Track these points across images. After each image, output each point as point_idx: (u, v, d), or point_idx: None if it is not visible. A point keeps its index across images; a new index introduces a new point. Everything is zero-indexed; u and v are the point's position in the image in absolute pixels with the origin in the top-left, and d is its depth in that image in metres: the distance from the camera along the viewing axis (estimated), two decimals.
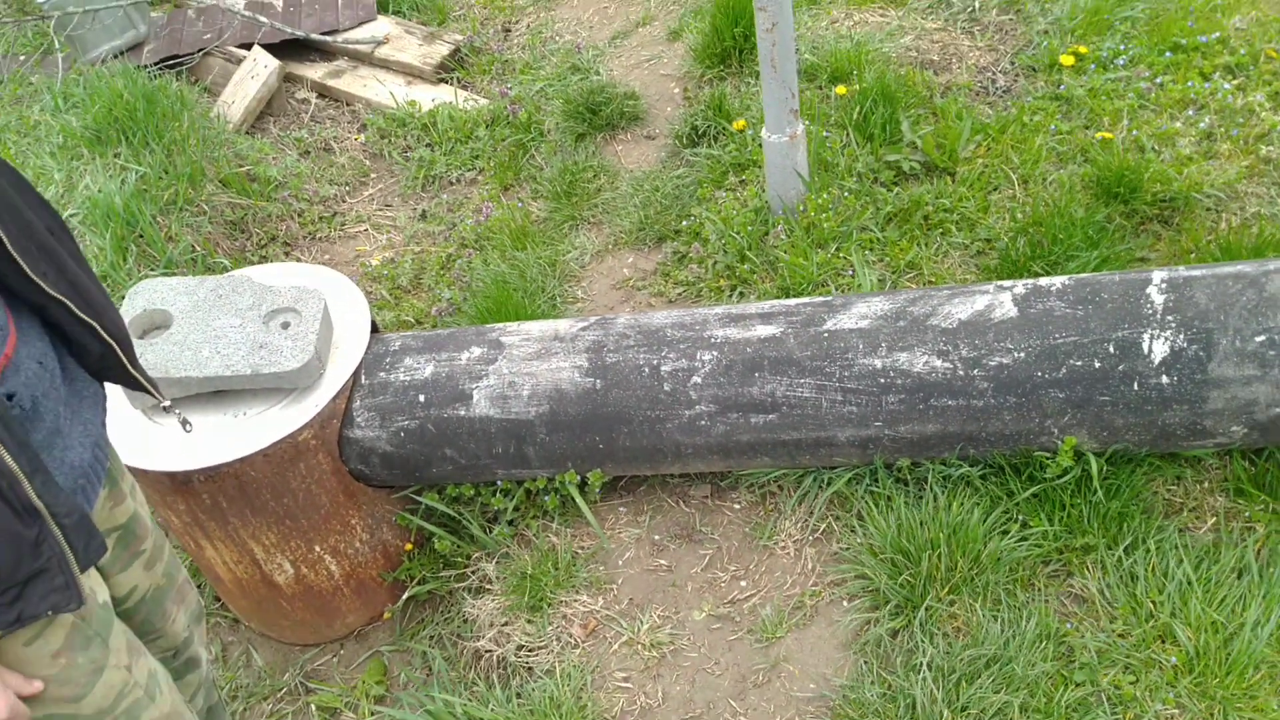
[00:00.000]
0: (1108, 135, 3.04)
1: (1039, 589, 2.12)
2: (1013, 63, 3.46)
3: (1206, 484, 2.22)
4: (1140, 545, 2.10)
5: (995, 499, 2.21)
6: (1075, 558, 2.14)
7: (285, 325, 2.33)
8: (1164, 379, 2.05)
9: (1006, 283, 2.25)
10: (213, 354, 2.28)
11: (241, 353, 2.27)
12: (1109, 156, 2.92)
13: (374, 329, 2.54)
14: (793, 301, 2.36)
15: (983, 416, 2.16)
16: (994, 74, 3.45)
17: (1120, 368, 2.07)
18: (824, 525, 2.35)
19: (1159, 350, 2.05)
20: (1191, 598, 1.99)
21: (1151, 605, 2.01)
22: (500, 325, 2.51)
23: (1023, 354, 2.12)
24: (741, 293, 2.90)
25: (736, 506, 2.48)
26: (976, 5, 3.70)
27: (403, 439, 2.39)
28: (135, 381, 1.62)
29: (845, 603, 2.21)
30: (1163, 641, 1.98)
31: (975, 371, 2.14)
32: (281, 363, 2.25)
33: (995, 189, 2.99)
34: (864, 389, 2.20)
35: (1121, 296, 2.12)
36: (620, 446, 2.37)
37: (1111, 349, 2.08)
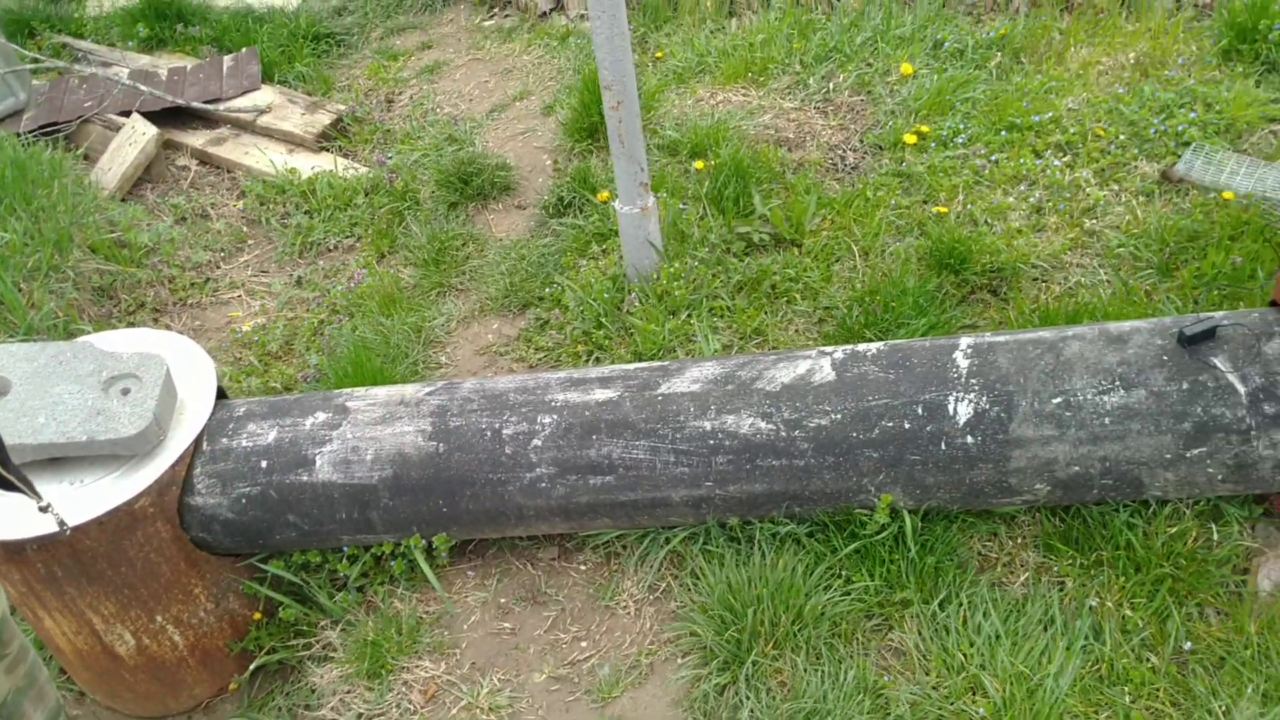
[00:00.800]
0: (943, 210, 3.22)
1: (860, 642, 2.21)
2: (862, 141, 3.65)
3: (1020, 539, 2.33)
4: (954, 599, 2.20)
5: (820, 556, 2.29)
6: (895, 612, 2.23)
7: (125, 391, 2.34)
8: (969, 439, 2.17)
9: (828, 348, 2.36)
10: (49, 421, 2.27)
11: (78, 419, 2.27)
12: (942, 230, 3.08)
13: (221, 395, 2.55)
14: (631, 366, 2.45)
15: (805, 476, 2.25)
16: (844, 151, 3.62)
17: (928, 428, 2.19)
18: (663, 584, 2.42)
19: (963, 412, 2.18)
20: (1000, 650, 2.09)
21: (963, 657, 2.11)
22: (348, 390, 2.55)
23: (839, 415, 2.23)
24: (598, 358, 2.98)
25: (582, 568, 2.53)
26: (831, 86, 3.90)
27: (244, 506, 2.40)
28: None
29: (679, 660, 2.27)
30: (973, 693, 2.07)
31: (796, 433, 2.24)
32: (118, 429, 2.26)
33: (838, 260, 3.14)
34: (695, 450, 2.28)
35: (930, 361, 2.25)
36: (464, 509, 2.41)
37: (920, 410, 2.19)
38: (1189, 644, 2.08)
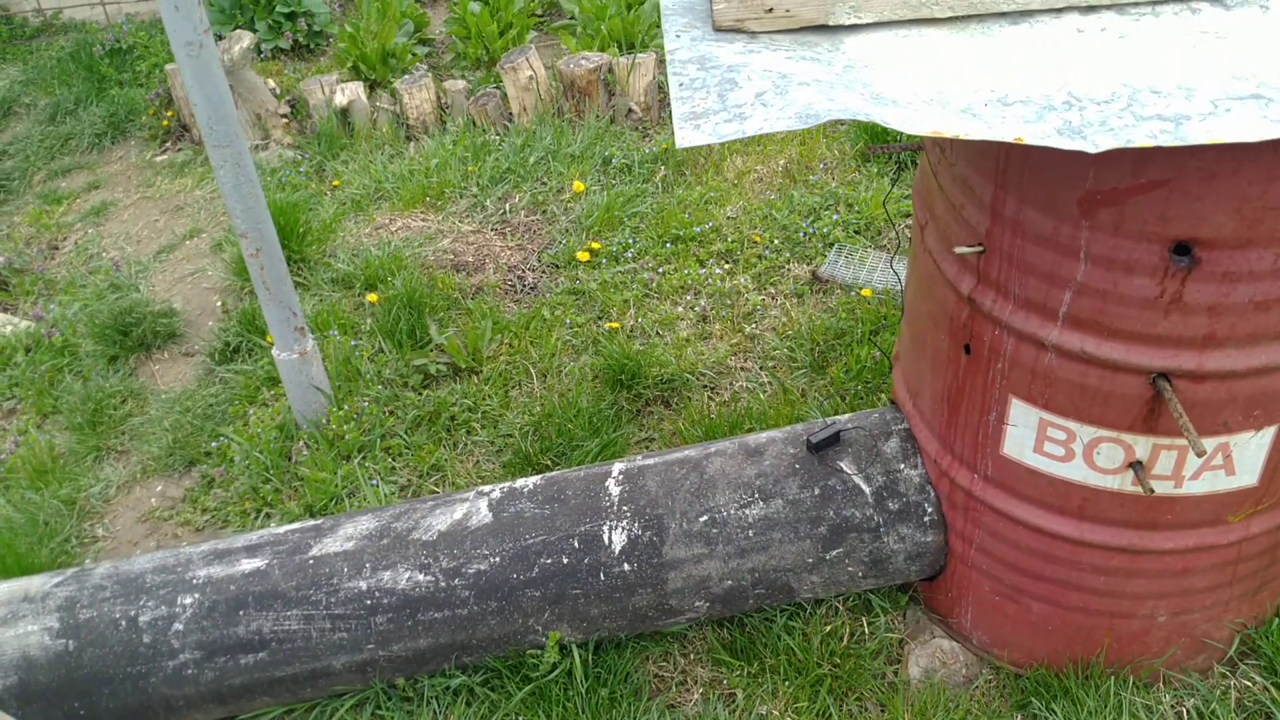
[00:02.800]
0: (614, 325, 3.29)
1: None
2: (540, 260, 3.70)
3: (692, 656, 2.35)
4: None
5: (494, 704, 2.23)
6: None
7: None
8: (626, 566, 2.18)
9: (486, 488, 2.33)
10: None
11: None
12: (614, 346, 3.15)
13: None
14: (281, 529, 2.32)
15: (469, 624, 2.19)
16: (523, 271, 3.66)
17: (586, 561, 2.18)
18: None
19: (618, 540, 2.19)
20: None
21: None
22: None
23: (498, 559, 2.18)
24: (267, 514, 2.83)
25: None
26: (508, 207, 3.95)
27: None
28: None
29: None
30: None
31: (456, 581, 2.18)
32: None
33: (517, 385, 3.13)
34: (352, 613, 2.17)
35: (585, 492, 2.26)
36: (104, 709, 2.19)
37: (577, 544, 2.19)
38: None
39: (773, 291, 3.40)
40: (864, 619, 2.34)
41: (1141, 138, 1.29)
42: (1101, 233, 1.58)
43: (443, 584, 2.18)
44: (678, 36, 1.52)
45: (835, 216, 3.62)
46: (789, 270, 3.46)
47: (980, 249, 1.78)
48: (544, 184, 4.04)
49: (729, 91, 1.37)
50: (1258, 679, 2.11)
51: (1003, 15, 1.55)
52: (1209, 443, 1.75)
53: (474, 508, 2.27)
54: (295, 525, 2.34)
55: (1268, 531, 1.92)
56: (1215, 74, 1.39)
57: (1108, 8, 1.55)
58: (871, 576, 2.26)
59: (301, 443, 2.92)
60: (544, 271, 3.65)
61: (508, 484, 2.33)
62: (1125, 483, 1.83)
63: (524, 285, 3.61)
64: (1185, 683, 2.13)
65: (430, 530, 2.23)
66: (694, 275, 3.47)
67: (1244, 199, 1.48)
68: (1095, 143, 1.29)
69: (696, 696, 2.28)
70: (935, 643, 2.30)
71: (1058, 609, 2.09)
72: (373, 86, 4.93)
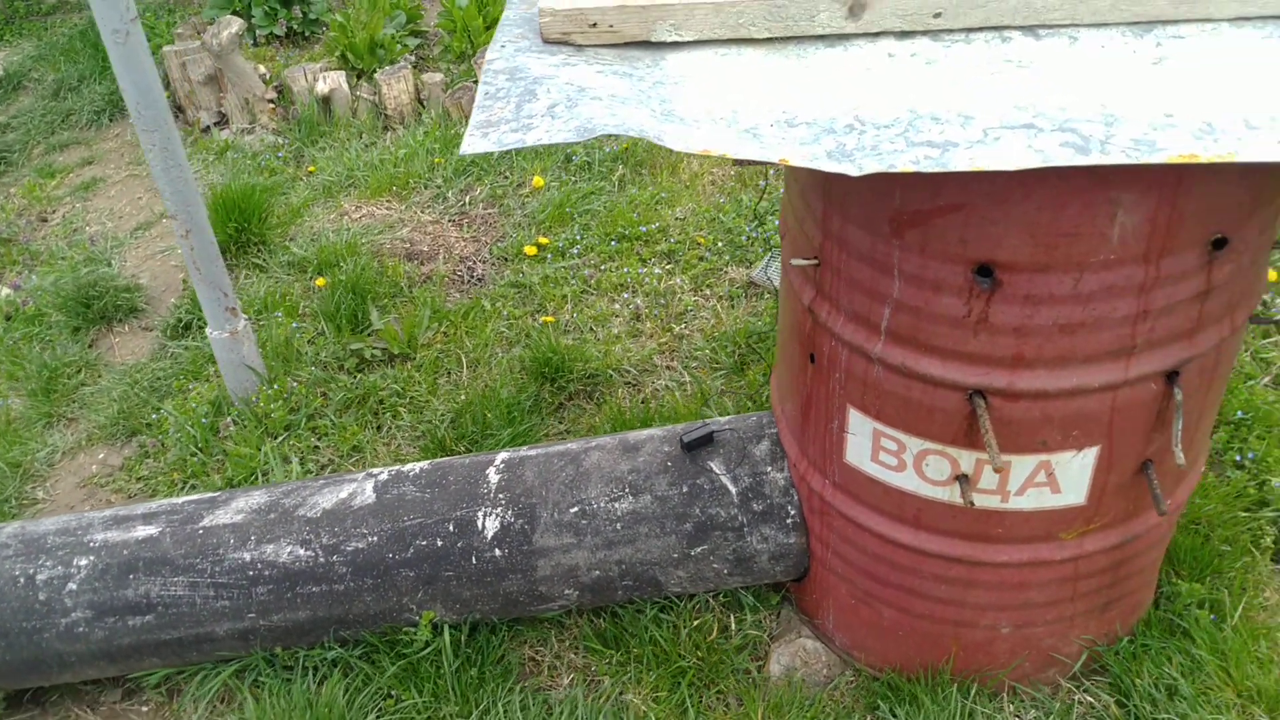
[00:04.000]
0: (550, 319, 3.37)
1: None
2: (491, 253, 3.79)
3: (568, 642, 2.43)
4: (493, 709, 2.26)
5: (368, 678, 2.32)
6: None
7: None
8: (497, 552, 2.26)
9: (377, 470, 2.42)
10: None
11: None
12: (543, 339, 3.23)
13: None
14: (179, 500, 2.43)
15: (346, 599, 2.28)
16: (474, 263, 3.75)
17: (459, 544, 2.26)
18: None
19: (491, 526, 2.27)
20: None
21: None
22: None
23: (376, 538, 2.27)
24: (193, 486, 2.94)
25: (144, 709, 2.46)
26: (468, 200, 4.04)
27: None
28: None
29: None
30: None
31: (335, 557, 2.27)
32: None
33: (447, 373, 3.22)
34: (234, 583, 2.27)
35: (466, 479, 2.34)
36: (1, 661, 2.31)
37: (451, 527, 2.27)
38: None
39: (708, 293, 3.46)
40: (733, 616, 2.40)
41: (905, 163, 1.35)
42: (910, 252, 1.64)
43: (321, 559, 2.27)
44: (502, 47, 1.59)
45: (779, 222, 3.66)
46: (726, 273, 3.52)
47: (815, 262, 1.84)
48: (506, 178, 4.13)
49: (526, 103, 1.45)
50: (1104, 696, 2.15)
51: (820, 39, 1.61)
52: (1029, 460, 1.80)
53: (360, 488, 2.36)
54: (194, 497, 2.44)
55: (1104, 550, 1.97)
56: (999, 103, 1.44)
57: (923, 34, 1.60)
58: (738, 575, 2.33)
59: (230, 419, 3.03)
60: (493, 264, 3.74)
61: (396, 467, 2.42)
62: (955, 495, 1.89)
63: (472, 276, 3.69)
64: (1032, 696, 2.18)
65: (315, 508, 2.33)
66: (634, 274, 3.54)
67: (1036, 224, 1.53)
68: (860, 166, 1.35)
69: (566, 682, 2.36)
70: (800, 642, 2.36)
71: (906, 615, 2.14)
72: (359, 76, 5.04)
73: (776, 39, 1.62)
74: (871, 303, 1.75)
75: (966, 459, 1.83)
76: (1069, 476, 1.83)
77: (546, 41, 1.62)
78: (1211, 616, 2.20)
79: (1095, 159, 1.31)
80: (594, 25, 1.60)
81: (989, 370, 1.70)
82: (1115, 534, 1.94)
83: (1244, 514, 2.41)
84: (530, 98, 1.46)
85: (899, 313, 1.72)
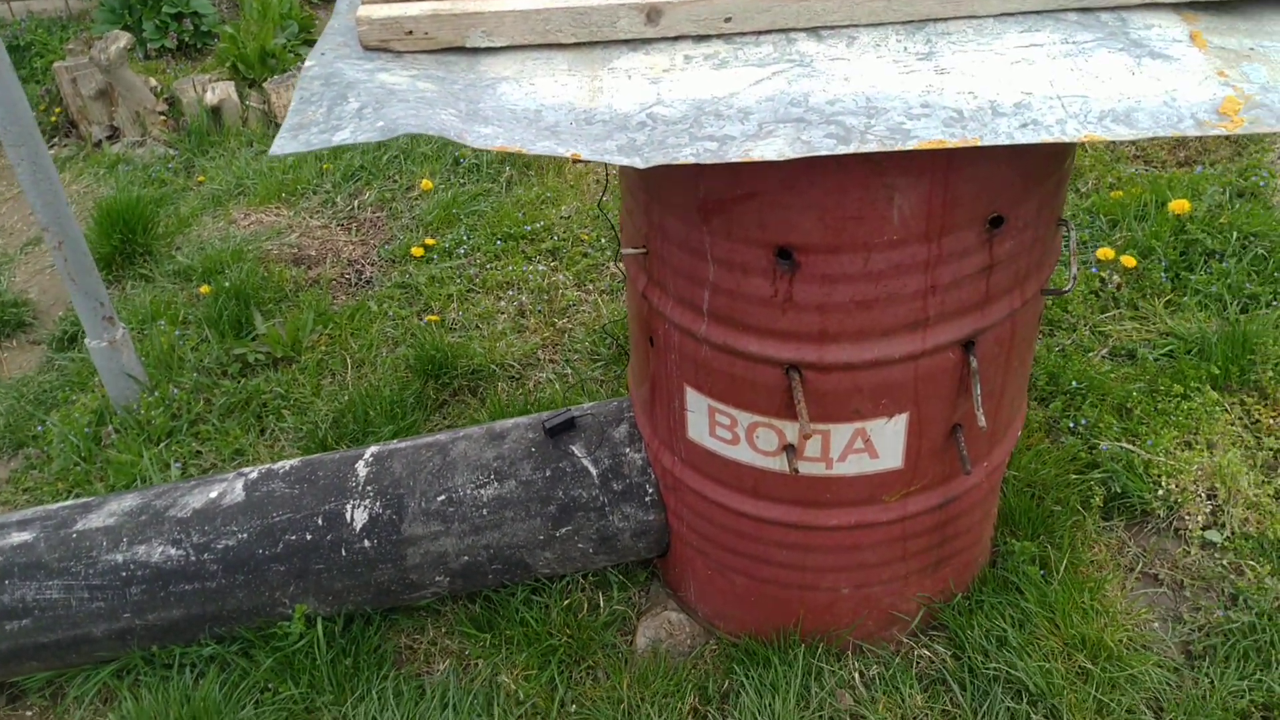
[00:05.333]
0: (435, 318, 3.45)
1: None
2: (379, 255, 3.85)
3: (443, 629, 2.52)
4: (368, 696, 2.34)
5: (245, 672, 2.38)
6: (318, 716, 2.35)
7: None
8: (366, 543, 2.34)
9: (248, 469, 2.49)
10: None
11: None
12: (427, 338, 3.31)
13: None
14: (54, 506, 2.47)
15: (219, 596, 2.35)
16: (362, 266, 3.81)
17: (329, 537, 2.34)
18: None
19: (360, 518, 2.35)
20: None
21: None
22: None
23: (246, 534, 2.34)
24: (77, 494, 2.97)
25: (28, 714, 2.49)
26: (356, 204, 4.10)
27: None
28: None
29: None
30: None
31: (206, 555, 2.33)
32: None
33: (331, 374, 3.29)
34: (109, 584, 2.33)
35: (334, 473, 2.42)
36: None
37: (320, 521, 2.35)
38: (573, 707, 2.32)
39: (590, 288, 3.57)
40: (602, 594, 2.51)
41: (686, 155, 1.46)
42: (719, 237, 1.76)
43: (193, 558, 2.33)
44: (322, 54, 1.68)
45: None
46: (608, 268, 3.63)
47: (644, 250, 1.95)
48: (395, 181, 4.20)
49: (337, 106, 1.54)
50: (940, 650, 2.30)
51: (624, 43, 1.72)
52: (846, 428, 1.93)
53: (230, 487, 2.43)
54: (68, 503, 2.49)
55: (927, 511, 2.11)
56: (775, 100, 1.56)
57: (717, 37, 1.72)
58: (603, 553, 2.43)
59: (112, 427, 3.07)
60: (380, 266, 3.81)
61: (267, 466, 2.49)
62: (784, 464, 2.01)
63: (360, 279, 3.76)
64: (875, 653, 2.32)
65: (186, 508, 2.39)
66: (519, 272, 3.64)
67: (824, 209, 1.65)
68: (647, 159, 1.47)
69: (442, 666, 2.45)
70: (665, 615, 2.48)
71: (755, 582, 2.27)
72: (251, 85, 5.06)
73: (584, 43, 1.72)
74: (693, 286, 1.87)
75: (790, 430, 1.95)
76: (884, 442, 1.96)
77: (366, 49, 1.71)
78: (1041, 572, 2.36)
79: (855, 147, 1.44)
80: (410, 33, 1.69)
81: (799, 346, 1.83)
82: (936, 495, 2.08)
83: (1075, 476, 2.57)
84: (341, 101, 1.55)
85: (717, 295, 1.84)
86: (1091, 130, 1.43)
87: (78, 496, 2.97)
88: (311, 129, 1.50)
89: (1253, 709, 2.09)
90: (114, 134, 5.04)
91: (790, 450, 1.98)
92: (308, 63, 1.67)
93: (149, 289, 3.71)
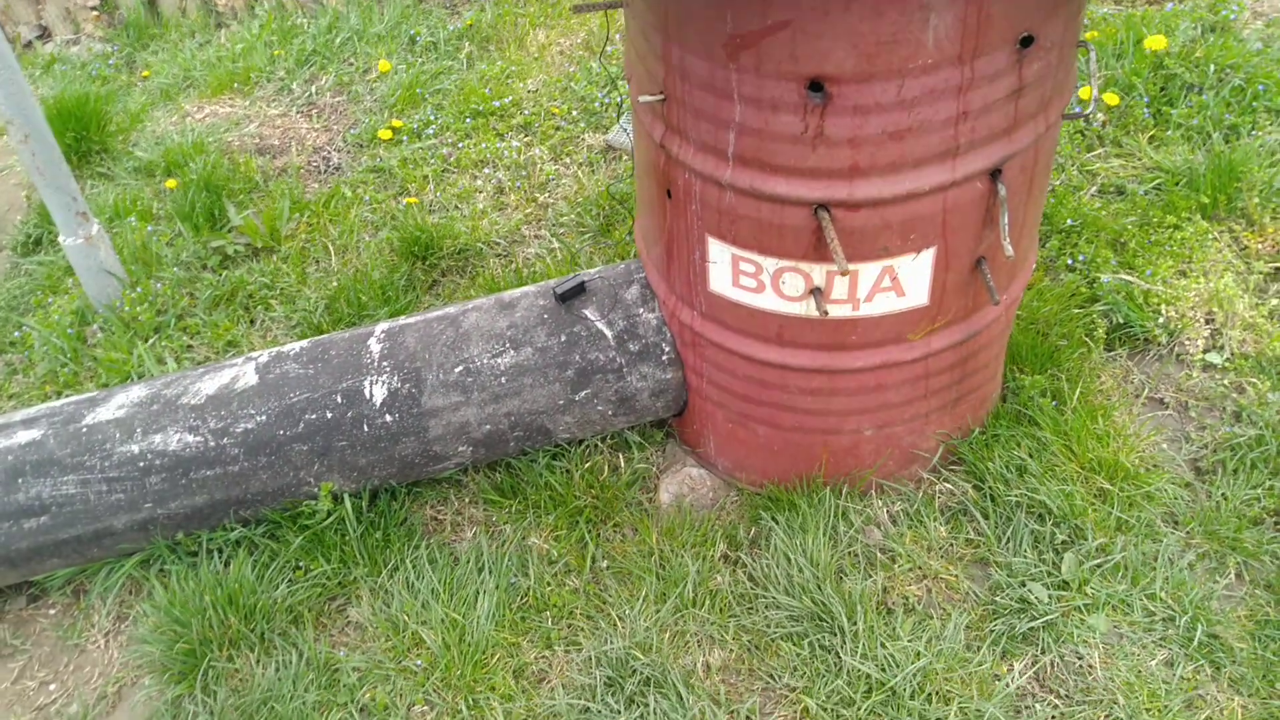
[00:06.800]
0: (413, 200, 3.38)
1: (324, 625, 2.32)
2: (345, 140, 3.75)
3: (467, 499, 2.53)
4: (402, 565, 2.36)
5: (275, 552, 2.38)
6: (352, 589, 2.36)
7: None
8: (388, 417, 2.33)
9: (256, 354, 2.45)
10: None
11: None
12: (410, 220, 3.24)
13: None
14: (58, 403, 2.42)
15: (242, 480, 2.33)
16: (329, 152, 3.71)
17: (350, 414, 2.32)
18: (132, 612, 2.42)
19: (379, 393, 2.33)
20: (436, 603, 2.27)
21: (406, 617, 2.27)
22: None
23: (264, 417, 2.31)
24: (69, 395, 2.90)
25: (51, 612, 2.48)
26: (314, 89, 3.97)
27: None
28: None
29: (145, 681, 2.29)
30: (417, 647, 2.24)
31: (225, 440, 2.31)
32: None
33: (315, 262, 3.22)
34: (127, 475, 2.30)
35: (347, 352, 2.39)
36: None
37: (339, 399, 2.32)
38: (605, 563, 2.36)
39: (567, 161, 3.51)
40: (621, 455, 2.53)
41: None
42: (747, 74, 1.73)
43: (212, 443, 2.30)
44: None
45: (624, 71, 3.71)
46: (584, 140, 3.57)
47: (661, 97, 1.92)
48: (350, 65, 4.06)
49: None
50: (960, 483, 2.36)
51: None
52: (874, 267, 1.94)
53: (241, 372, 2.39)
54: (72, 398, 2.43)
55: (950, 347, 2.14)
56: None
57: None
58: (622, 415, 2.45)
59: (96, 326, 2.99)
60: (348, 151, 3.71)
61: (276, 349, 2.45)
62: (811, 308, 2.02)
63: (328, 166, 3.66)
64: (898, 491, 2.38)
65: (199, 395, 2.35)
66: (492, 149, 3.56)
67: (858, 35, 1.63)
68: None
69: (470, 535, 2.47)
70: (685, 471, 2.51)
71: (778, 430, 2.30)
72: None
73: None
74: (717, 130, 1.84)
75: (818, 272, 1.96)
76: (911, 279, 1.98)
77: None
78: (1053, 403, 2.42)
79: None
80: None
81: (829, 183, 1.82)
82: (958, 330, 2.11)
83: (1077, 311, 2.63)
84: None
85: (743, 136, 1.82)
86: None
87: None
88: None
89: (1264, 514, 2.19)
90: (44, 34, 4.79)
91: (817, 294, 1.98)
92: None
93: (110, 187, 3.58)
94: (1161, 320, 2.53)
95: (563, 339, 2.36)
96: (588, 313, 2.39)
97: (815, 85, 1.70)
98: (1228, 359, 2.46)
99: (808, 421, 2.26)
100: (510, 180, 3.45)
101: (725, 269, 2.05)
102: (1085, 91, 3.04)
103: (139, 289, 3.03)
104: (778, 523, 2.31)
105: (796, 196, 1.85)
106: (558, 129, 3.63)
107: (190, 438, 2.30)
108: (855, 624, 2.10)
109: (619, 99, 3.66)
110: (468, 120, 3.68)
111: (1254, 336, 2.47)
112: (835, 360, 2.12)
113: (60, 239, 2.91)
